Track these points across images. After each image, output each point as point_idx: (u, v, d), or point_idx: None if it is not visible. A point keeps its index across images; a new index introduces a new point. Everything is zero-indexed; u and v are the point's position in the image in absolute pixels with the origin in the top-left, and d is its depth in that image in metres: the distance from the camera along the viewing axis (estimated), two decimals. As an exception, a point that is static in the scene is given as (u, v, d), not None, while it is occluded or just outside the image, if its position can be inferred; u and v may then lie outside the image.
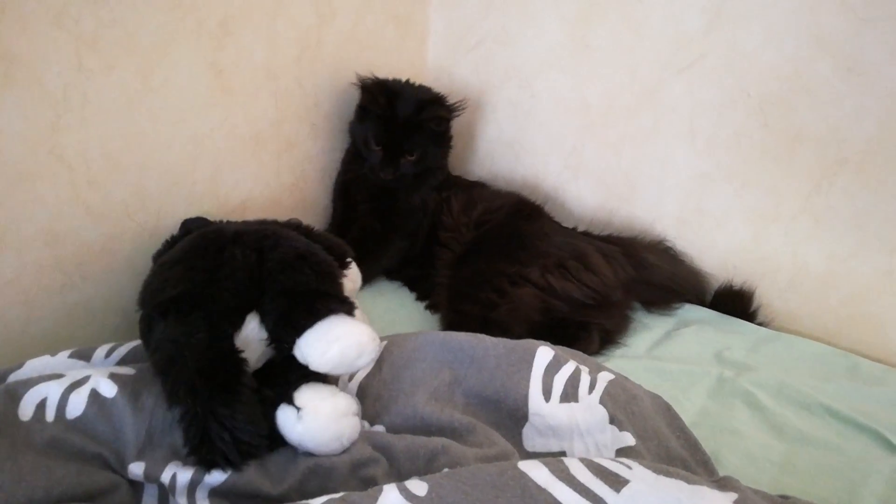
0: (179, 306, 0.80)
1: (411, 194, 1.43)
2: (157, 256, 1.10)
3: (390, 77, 1.44)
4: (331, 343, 0.79)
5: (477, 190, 1.49)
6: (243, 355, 0.81)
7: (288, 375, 0.84)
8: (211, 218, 1.16)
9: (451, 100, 1.45)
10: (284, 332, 0.81)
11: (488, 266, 1.27)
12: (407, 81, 1.45)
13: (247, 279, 0.82)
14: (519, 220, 1.38)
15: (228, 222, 1.09)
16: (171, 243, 1.09)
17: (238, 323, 0.82)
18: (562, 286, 1.23)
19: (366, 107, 1.40)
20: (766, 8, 1.22)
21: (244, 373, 0.80)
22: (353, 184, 1.45)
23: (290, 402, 0.81)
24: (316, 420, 0.80)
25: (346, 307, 0.83)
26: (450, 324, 1.22)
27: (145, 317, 0.85)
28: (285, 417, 0.81)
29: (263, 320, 0.84)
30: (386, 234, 1.42)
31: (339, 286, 0.87)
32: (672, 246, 1.44)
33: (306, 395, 0.82)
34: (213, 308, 0.80)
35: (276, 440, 0.82)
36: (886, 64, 1.13)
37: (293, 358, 0.82)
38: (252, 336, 0.83)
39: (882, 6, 1.11)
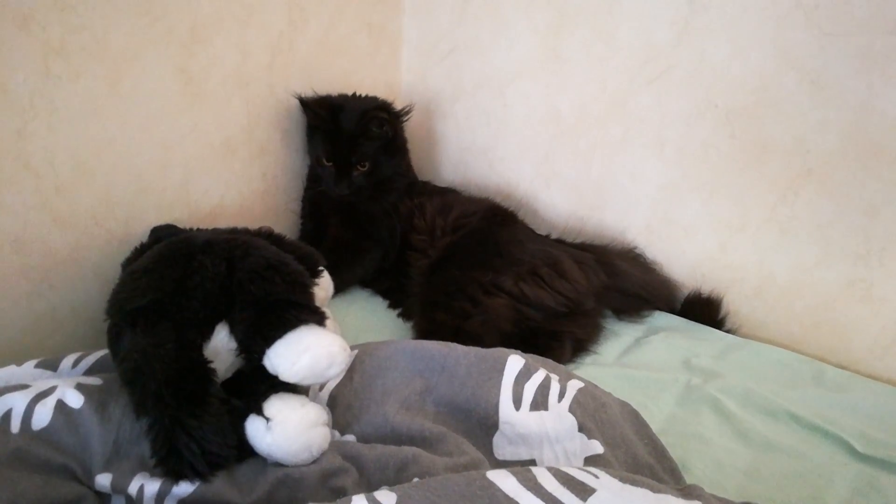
0: (148, 316, 0.79)
1: (375, 204, 1.44)
2: (127, 264, 1.09)
3: (353, 89, 1.47)
4: (301, 353, 0.79)
5: (450, 195, 1.50)
6: (212, 365, 0.81)
7: (257, 385, 0.83)
8: (181, 225, 1.15)
9: (398, 106, 1.46)
10: (254, 342, 0.81)
11: (462, 273, 1.27)
12: (353, 95, 1.46)
13: (216, 289, 0.82)
14: (493, 226, 1.39)
15: (199, 230, 1.08)
16: (140, 251, 1.08)
17: (207, 333, 0.82)
18: (535, 294, 1.24)
19: (312, 124, 1.41)
20: (733, 22, 1.24)
21: (213, 383, 0.79)
22: (319, 198, 1.45)
23: (260, 412, 0.81)
24: (285, 431, 0.79)
25: (317, 317, 0.83)
26: (422, 332, 1.22)
27: (113, 326, 0.84)
28: (254, 428, 0.80)
29: (233, 330, 0.83)
30: (358, 243, 1.42)
31: (310, 296, 0.86)
32: (643, 254, 1.45)
33: (276, 405, 0.81)
34: (181, 318, 0.80)
35: (246, 450, 0.81)
36: (849, 78, 1.16)
37: (263, 368, 0.82)
38: (221, 346, 0.83)
39: (845, 22, 1.14)
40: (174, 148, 1.21)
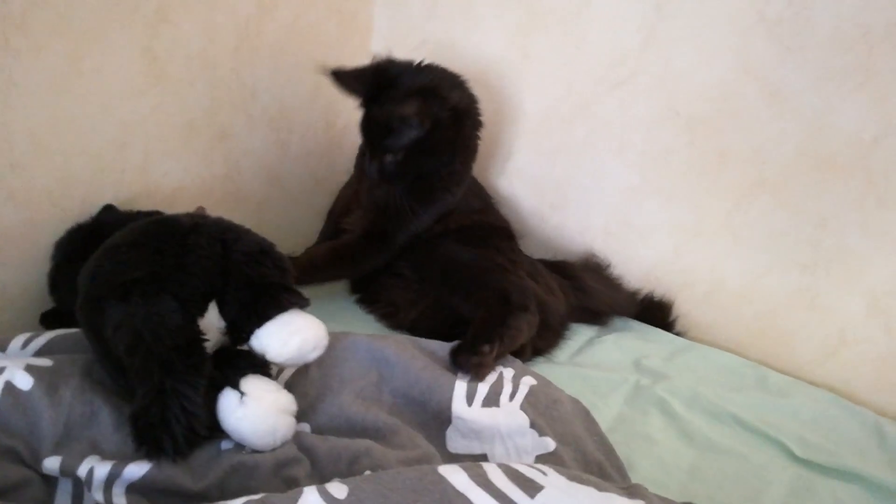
0: (145, 287, 0.79)
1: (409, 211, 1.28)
2: (60, 245, 1.09)
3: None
4: (291, 335, 0.82)
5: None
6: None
7: (237, 363, 0.86)
8: (139, 207, 1.15)
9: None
10: (247, 321, 0.83)
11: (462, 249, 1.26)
12: (417, 65, 1.27)
13: (214, 267, 0.83)
14: (492, 235, 1.36)
15: (138, 212, 1.11)
16: (76, 231, 1.09)
17: (203, 309, 0.83)
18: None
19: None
20: (698, 31, 1.26)
21: (208, 359, 0.81)
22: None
23: (236, 387, 0.82)
24: (258, 408, 0.81)
25: (304, 301, 0.86)
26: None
27: (91, 300, 0.82)
28: (227, 401, 0.82)
29: (223, 310, 0.84)
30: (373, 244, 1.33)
31: (294, 280, 0.89)
32: (608, 264, 1.48)
33: (253, 383, 0.83)
34: (181, 292, 0.80)
35: (212, 428, 0.82)
36: (807, 91, 1.19)
37: (239, 351, 0.86)
38: (211, 323, 0.84)
39: (806, 38, 1.17)
40: (135, 128, 1.20)
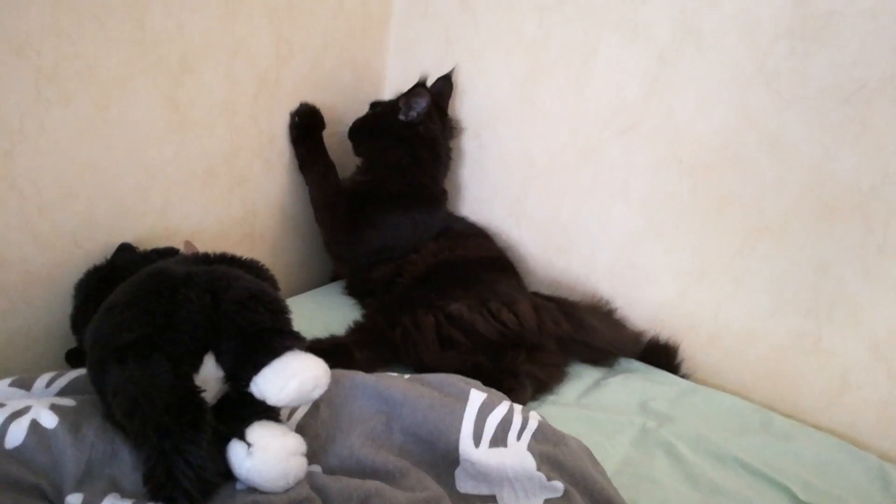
0: (139, 350, 0.81)
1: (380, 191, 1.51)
2: (79, 286, 1.11)
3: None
4: (288, 379, 0.81)
5: (474, 237, 1.58)
6: (203, 394, 0.83)
7: (240, 411, 0.86)
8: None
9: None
10: (243, 370, 0.83)
11: (423, 293, 1.34)
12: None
13: (204, 321, 0.84)
14: (482, 266, 1.45)
15: (153, 251, 1.13)
16: (93, 273, 1.10)
17: (197, 364, 0.84)
18: (468, 317, 1.27)
19: None
20: (699, 82, 1.31)
21: (207, 411, 0.82)
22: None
23: (242, 437, 0.83)
24: (265, 457, 0.82)
25: (300, 343, 0.86)
26: (363, 328, 1.32)
27: (97, 362, 0.85)
28: (235, 453, 0.83)
29: (220, 359, 0.85)
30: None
31: (290, 321, 0.89)
32: (613, 308, 1.50)
33: (258, 432, 0.84)
34: (173, 350, 0.82)
35: (224, 475, 0.83)
36: (805, 141, 1.23)
37: (245, 394, 0.85)
38: (210, 375, 0.85)
39: (804, 89, 1.21)
40: (157, 173, 1.24)
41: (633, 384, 1.33)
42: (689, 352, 1.44)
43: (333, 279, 1.69)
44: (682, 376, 1.41)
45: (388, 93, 1.72)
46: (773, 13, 1.21)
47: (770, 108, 1.25)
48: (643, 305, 1.49)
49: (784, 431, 1.24)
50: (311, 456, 0.94)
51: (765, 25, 1.22)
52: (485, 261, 1.47)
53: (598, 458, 1.00)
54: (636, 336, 1.46)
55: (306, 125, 1.48)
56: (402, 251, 1.48)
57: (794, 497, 1.06)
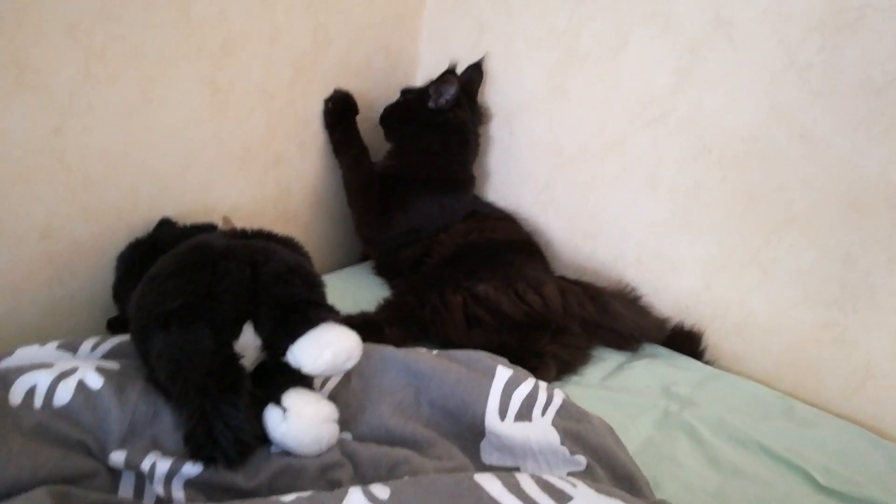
0: (182, 317, 0.84)
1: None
2: (122, 258, 1.15)
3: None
4: (323, 349, 0.85)
5: (502, 220, 1.61)
6: (242, 361, 0.87)
7: (277, 378, 0.90)
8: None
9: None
10: (280, 339, 0.87)
11: (451, 272, 1.37)
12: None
13: (244, 292, 0.88)
14: (510, 249, 1.47)
15: (192, 226, 1.17)
16: (136, 246, 1.15)
17: (237, 332, 0.88)
18: (494, 297, 1.30)
19: None
20: (730, 75, 1.32)
21: (245, 376, 0.85)
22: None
23: (278, 402, 0.87)
24: (300, 422, 0.85)
25: (335, 315, 0.89)
26: (391, 306, 1.35)
27: (141, 328, 0.89)
28: (271, 417, 0.86)
29: (258, 328, 0.89)
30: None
31: (325, 295, 0.93)
32: (639, 295, 1.51)
33: (293, 398, 0.87)
34: (214, 318, 0.85)
35: (261, 439, 0.87)
36: (836, 135, 1.24)
37: (281, 363, 0.88)
38: (248, 343, 0.89)
39: (835, 83, 1.22)
40: (197, 153, 1.28)
41: (657, 368, 1.35)
42: (714, 339, 1.46)
43: (363, 259, 1.73)
44: (706, 363, 1.42)
45: (421, 79, 1.74)
46: (805, 6, 1.22)
47: (800, 101, 1.26)
48: (668, 293, 1.50)
49: (806, 418, 1.25)
50: (342, 424, 0.98)
51: (797, 18, 1.23)
52: (513, 244, 1.50)
53: (621, 437, 1.02)
54: (661, 322, 1.48)
55: (340, 111, 1.52)
56: (429, 233, 1.52)
57: (814, 482, 1.07)
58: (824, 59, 1.22)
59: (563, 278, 1.48)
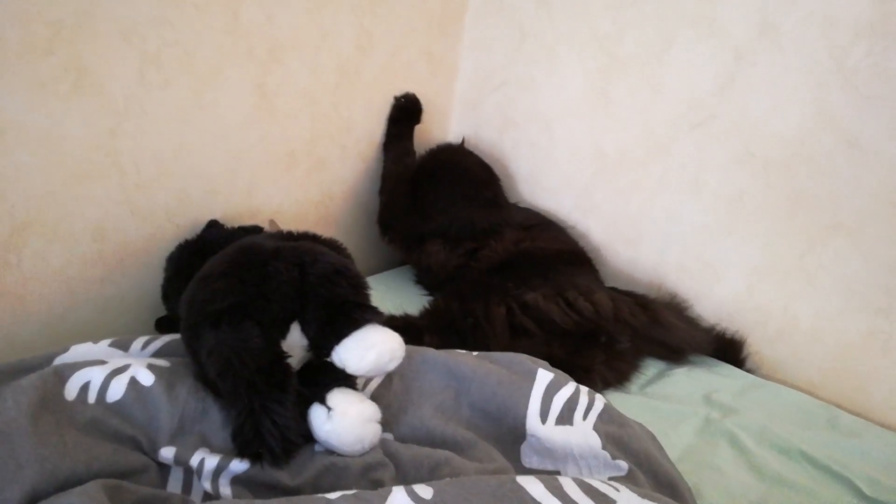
0: (232, 316, 0.86)
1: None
2: (171, 259, 1.17)
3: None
4: (367, 349, 0.86)
5: (552, 228, 1.62)
6: (288, 360, 0.89)
7: (321, 378, 0.92)
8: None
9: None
10: (326, 339, 0.88)
11: (499, 282, 1.36)
12: None
13: (292, 292, 0.89)
14: (560, 259, 1.47)
15: (240, 228, 1.19)
16: (184, 247, 1.17)
17: (284, 331, 0.89)
18: (543, 306, 1.29)
19: None
20: (776, 79, 1.31)
21: (292, 375, 0.87)
22: None
23: (323, 402, 0.89)
24: (344, 421, 0.87)
25: (379, 317, 0.90)
26: (432, 312, 1.34)
27: (192, 326, 0.91)
28: (316, 416, 0.88)
29: (305, 329, 0.91)
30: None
31: (370, 297, 0.94)
32: (688, 306, 1.50)
33: (337, 397, 0.89)
34: (263, 318, 0.87)
35: (306, 437, 0.89)
36: (885, 140, 1.22)
37: (326, 362, 0.90)
38: (295, 342, 0.91)
39: (883, 87, 1.20)
40: (244, 156, 1.31)
41: (698, 376, 1.34)
42: (756, 347, 1.44)
43: (402, 264, 1.74)
44: (748, 370, 1.41)
45: (461, 85, 1.76)
46: (853, 11, 1.21)
47: (848, 106, 1.25)
48: (711, 299, 1.49)
49: (851, 428, 1.23)
50: (384, 424, 0.98)
51: (844, 23, 1.22)
52: (564, 254, 1.49)
53: (661, 444, 1.02)
54: (710, 334, 1.46)
55: (407, 110, 1.59)
56: (454, 236, 1.53)
57: (859, 492, 1.05)
58: (872, 64, 1.21)
59: (613, 289, 1.47)
